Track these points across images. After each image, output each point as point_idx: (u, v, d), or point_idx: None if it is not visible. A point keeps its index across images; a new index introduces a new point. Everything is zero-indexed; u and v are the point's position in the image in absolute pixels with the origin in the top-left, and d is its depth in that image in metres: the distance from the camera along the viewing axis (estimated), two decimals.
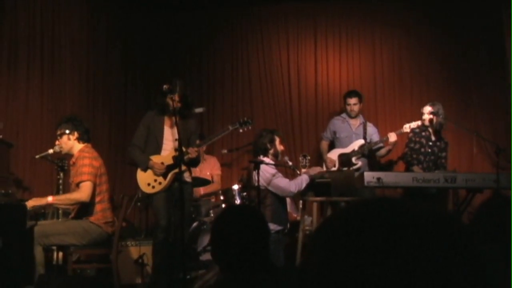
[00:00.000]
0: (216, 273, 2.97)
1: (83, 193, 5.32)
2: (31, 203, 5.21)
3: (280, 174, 6.32)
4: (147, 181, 5.85)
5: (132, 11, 8.75)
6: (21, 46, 6.88)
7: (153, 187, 5.82)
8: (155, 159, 5.83)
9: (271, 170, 6.20)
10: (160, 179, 5.80)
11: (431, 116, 7.14)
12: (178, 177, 5.55)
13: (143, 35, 8.96)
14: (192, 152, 5.66)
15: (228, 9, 9.10)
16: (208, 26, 9.12)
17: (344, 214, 0.85)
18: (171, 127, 5.85)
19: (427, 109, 7.21)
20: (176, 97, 5.75)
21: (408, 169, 7.24)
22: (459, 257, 0.77)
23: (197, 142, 5.88)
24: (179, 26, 9.15)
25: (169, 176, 5.78)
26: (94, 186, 5.39)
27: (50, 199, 5.33)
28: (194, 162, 5.92)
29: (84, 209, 5.43)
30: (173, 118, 5.54)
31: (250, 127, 6.03)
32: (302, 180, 6.25)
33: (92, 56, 8.04)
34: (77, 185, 5.36)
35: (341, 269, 0.78)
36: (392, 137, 7.26)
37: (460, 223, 0.82)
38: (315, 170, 6.46)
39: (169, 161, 5.79)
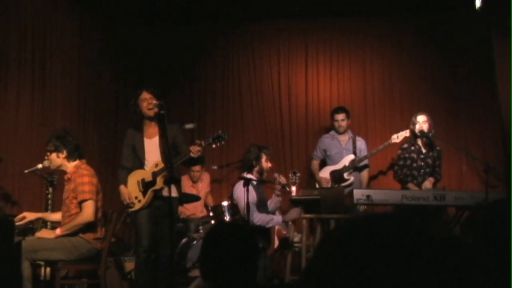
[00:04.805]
0: (198, 283, 2.97)
1: (86, 214, 5.28)
2: (38, 235, 5.34)
3: (253, 203, 6.30)
4: None
5: (123, 27, 8.76)
6: (12, 60, 6.86)
7: (133, 204, 5.73)
8: (137, 174, 5.73)
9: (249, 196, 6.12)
10: (140, 196, 5.69)
11: (427, 124, 7.14)
12: (159, 194, 5.54)
13: (134, 51, 8.98)
14: (194, 152, 5.48)
15: (219, 25, 9.13)
16: (199, 43, 9.15)
17: (353, 224, 0.86)
18: (151, 137, 5.78)
19: (422, 117, 7.20)
20: (147, 95, 5.73)
21: (402, 187, 7.21)
22: (460, 276, 0.79)
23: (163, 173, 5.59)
24: (170, 42, 9.16)
25: (148, 193, 5.66)
26: (96, 204, 5.36)
27: (58, 231, 5.31)
28: (174, 180, 5.48)
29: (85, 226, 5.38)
30: (153, 126, 5.68)
31: (223, 142, 5.64)
32: (271, 221, 6.32)
33: (83, 70, 8.02)
34: (79, 204, 5.32)
35: (345, 277, 0.79)
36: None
37: (462, 244, 0.83)
38: (292, 215, 6.44)
39: (149, 177, 5.68)
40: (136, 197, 5.70)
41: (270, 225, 6.35)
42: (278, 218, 6.40)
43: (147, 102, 5.70)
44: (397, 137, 7.33)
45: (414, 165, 7.22)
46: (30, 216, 5.50)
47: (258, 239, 5.96)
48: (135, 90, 6.04)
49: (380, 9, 8.68)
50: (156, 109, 5.59)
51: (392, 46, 8.75)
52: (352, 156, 7.54)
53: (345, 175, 7.44)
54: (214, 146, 5.69)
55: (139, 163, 5.77)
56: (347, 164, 7.50)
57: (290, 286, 5.55)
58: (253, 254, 2.60)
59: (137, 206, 5.70)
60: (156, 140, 5.72)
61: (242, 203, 6.24)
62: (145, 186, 5.68)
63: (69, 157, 5.45)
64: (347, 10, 8.72)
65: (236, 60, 9.11)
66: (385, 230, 0.83)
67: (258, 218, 6.27)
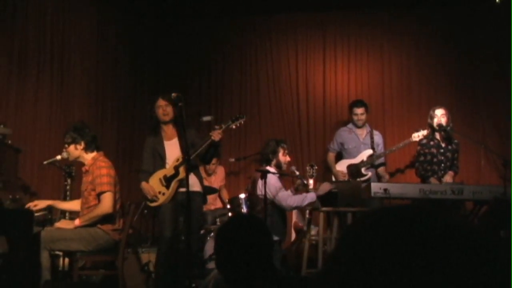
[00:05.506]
0: (214, 275, 2.98)
1: (104, 206, 5.31)
2: (58, 225, 5.39)
3: (283, 189, 6.36)
4: None
5: (141, 20, 8.80)
6: (31, 53, 6.92)
7: (157, 198, 5.80)
8: (158, 173, 5.82)
9: (276, 184, 6.23)
10: (164, 190, 5.77)
11: (445, 118, 7.08)
12: (183, 186, 5.58)
13: (152, 44, 9.01)
14: (215, 135, 5.61)
15: (237, 18, 9.13)
16: (217, 35, 9.16)
17: (376, 216, 0.86)
18: (170, 139, 5.89)
19: (440, 111, 7.14)
20: (162, 102, 5.84)
21: (423, 182, 7.13)
22: (486, 270, 0.78)
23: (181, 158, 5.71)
24: (188, 35, 9.17)
25: (172, 184, 5.74)
26: (114, 195, 5.40)
27: (77, 222, 5.35)
28: (192, 167, 5.65)
29: (104, 218, 5.42)
30: (170, 129, 5.79)
31: (243, 122, 5.86)
32: (306, 198, 6.30)
33: (101, 64, 8.08)
34: (98, 195, 5.36)
35: (368, 270, 0.79)
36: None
37: (488, 236, 0.83)
38: (324, 188, 6.42)
39: (171, 172, 5.77)
40: (159, 192, 5.79)
41: (306, 202, 6.34)
42: (311, 194, 6.36)
43: (162, 109, 5.86)
44: (418, 136, 7.26)
45: (435, 160, 7.15)
46: (41, 204, 5.53)
47: (273, 231, 6.01)
48: (152, 86, 6.13)
49: (398, 3, 8.64)
50: (171, 115, 5.82)
51: (409, 39, 8.69)
52: (370, 151, 7.49)
53: (363, 170, 7.40)
54: (234, 127, 5.90)
55: (162, 164, 5.87)
56: (365, 159, 7.46)
57: (307, 279, 5.56)
58: (267, 246, 2.61)
59: (161, 199, 5.78)
60: (175, 141, 5.87)
61: (270, 193, 6.28)
62: (168, 180, 5.77)
63: (87, 149, 5.49)
64: (365, 3, 8.68)
65: (254, 52, 9.11)
66: (406, 223, 0.83)
67: (293, 201, 6.30)
